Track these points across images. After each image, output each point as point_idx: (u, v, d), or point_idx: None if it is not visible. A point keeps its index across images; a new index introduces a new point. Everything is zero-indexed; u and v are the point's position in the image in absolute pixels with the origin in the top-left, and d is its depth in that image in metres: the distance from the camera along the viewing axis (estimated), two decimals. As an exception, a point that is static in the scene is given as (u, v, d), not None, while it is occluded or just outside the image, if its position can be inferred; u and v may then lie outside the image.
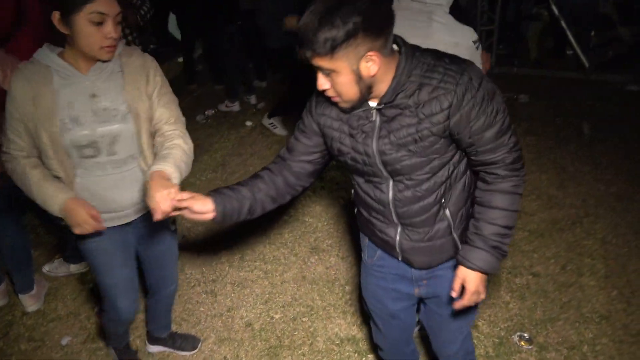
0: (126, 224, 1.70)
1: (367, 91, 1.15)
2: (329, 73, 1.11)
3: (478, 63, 1.66)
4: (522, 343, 2.23)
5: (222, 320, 2.44)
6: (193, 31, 5.35)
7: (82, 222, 1.48)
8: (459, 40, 1.64)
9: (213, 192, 1.30)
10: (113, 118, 1.50)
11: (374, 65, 1.10)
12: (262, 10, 3.91)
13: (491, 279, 2.60)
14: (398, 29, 1.61)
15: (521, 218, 3.08)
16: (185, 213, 1.26)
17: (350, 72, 1.10)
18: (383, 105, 1.18)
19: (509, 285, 2.56)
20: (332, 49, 1.04)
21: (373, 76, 1.12)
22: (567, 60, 5.64)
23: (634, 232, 2.90)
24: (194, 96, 5.28)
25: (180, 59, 6.00)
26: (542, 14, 5.83)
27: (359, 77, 1.11)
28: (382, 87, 1.16)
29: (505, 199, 1.25)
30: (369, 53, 1.07)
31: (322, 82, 1.14)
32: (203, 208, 1.26)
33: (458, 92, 1.12)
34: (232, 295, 2.59)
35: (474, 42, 1.64)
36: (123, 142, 1.54)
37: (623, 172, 3.51)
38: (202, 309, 2.51)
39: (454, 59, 1.17)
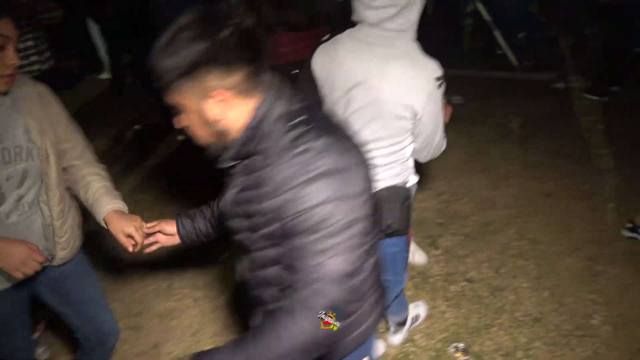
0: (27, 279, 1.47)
1: (219, 138, 0.97)
2: (178, 109, 0.96)
3: (437, 104, 1.52)
4: (458, 354, 2.20)
5: (147, 358, 2.27)
6: (120, 41, 5.12)
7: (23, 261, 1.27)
8: (417, 75, 1.47)
9: (177, 215, 1.39)
10: (17, 157, 1.34)
11: (221, 108, 0.91)
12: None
13: (428, 288, 2.57)
14: (351, 62, 1.52)
15: (456, 222, 3.08)
16: (158, 238, 1.39)
17: (194, 112, 0.93)
18: (229, 160, 0.99)
19: (445, 294, 2.54)
20: (172, 81, 0.89)
21: (220, 121, 0.93)
22: (497, 60, 5.78)
23: (563, 230, 2.96)
24: (122, 110, 5.01)
25: (103, 75, 5.72)
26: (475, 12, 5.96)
27: (204, 119, 0.93)
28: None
29: (267, 338, 0.92)
30: (215, 92, 0.89)
31: (175, 120, 0.98)
32: (173, 229, 1.37)
33: (282, 172, 0.89)
34: (159, 328, 2.42)
35: (437, 79, 1.47)
36: (31, 181, 1.39)
37: (552, 170, 3.60)
38: (125, 347, 2.32)
39: (323, 127, 0.94)
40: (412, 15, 1.46)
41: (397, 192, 1.66)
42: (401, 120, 1.53)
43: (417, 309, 2.36)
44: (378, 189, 1.64)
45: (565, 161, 3.69)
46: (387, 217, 1.63)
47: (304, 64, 1.71)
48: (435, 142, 1.64)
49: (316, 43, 1.69)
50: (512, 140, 4.08)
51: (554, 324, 2.33)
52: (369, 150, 1.58)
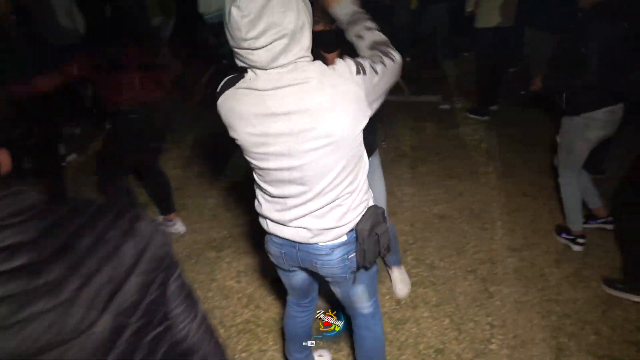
0: None
1: None
2: None
3: (372, 78, 1.32)
4: (364, 402, 2.08)
5: None
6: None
7: None
8: (342, 92, 1.28)
9: None
10: None
11: None
12: None
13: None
14: (265, 120, 1.28)
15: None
16: None
17: None
18: None
19: (348, 334, 2.42)
20: None
21: None
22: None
23: (457, 252, 3.00)
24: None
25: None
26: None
27: None
28: None
29: None
30: None
31: None
32: None
33: None
34: None
35: (357, 72, 1.29)
36: None
37: (443, 191, 3.69)
38: None
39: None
40: (305, 40, 1.27)
41: (376, 212, 1.55)
42: (359, 134, 1.38)
43: (322, 359, 2.21)
44: (358, 219, 1.51)
45: (455, 181, 3.81)
46: (383, 241, 1.56)
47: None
48: (392, 73, 1.40)
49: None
50: (405, 163, 4.15)
51: (456, 354, 2.30)
52: (337, 185, 1.42)
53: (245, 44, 1.21)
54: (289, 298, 1.97)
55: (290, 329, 2.03)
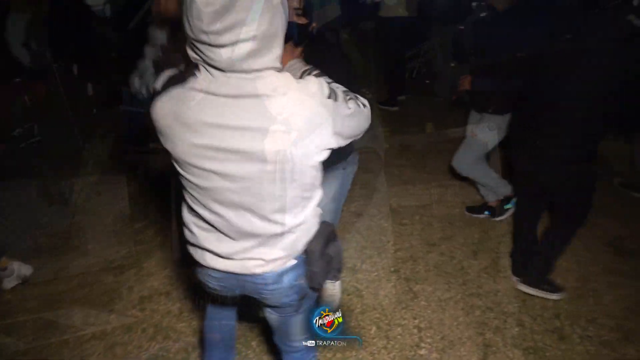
0: None
1: None
2: None
3: (339, 117, 1.16)
4: None
5: None
6: None
7: None
8: (312, 113, 1.12)
9: None
10: None
11: None
12: None
13: (251, 354, 2.21)
14: (220, 128, 1.08)
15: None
16: None
17: None
18: None
19: (269, 357, 2.21)
20: None
21: None
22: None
23: (379, 251, 2.90)
24: None
25: None
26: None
27: None
28: None
29: None
30: None
31: None
32: None
33: None
34: None
35: (328, 97, 1.15)
36: None
37: (359, 187, 3.58)
38: None
39: None
40: (278, 48, 1.09)
41: (327, 230, 1.38)
42: (319, 164, 1.20)
43: None
44: (311, 238, 1.34)
45: (370, 176, 3.72)
46: (335, 263, 1.42)
47: None
48: (364, 118, 1.27)
49: None
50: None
51: (386, 364, 2.19)
52: (288, 213, 1.25)
53: (205, 38, 1.03)
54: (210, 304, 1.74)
55: (215, 334, 1.78)
